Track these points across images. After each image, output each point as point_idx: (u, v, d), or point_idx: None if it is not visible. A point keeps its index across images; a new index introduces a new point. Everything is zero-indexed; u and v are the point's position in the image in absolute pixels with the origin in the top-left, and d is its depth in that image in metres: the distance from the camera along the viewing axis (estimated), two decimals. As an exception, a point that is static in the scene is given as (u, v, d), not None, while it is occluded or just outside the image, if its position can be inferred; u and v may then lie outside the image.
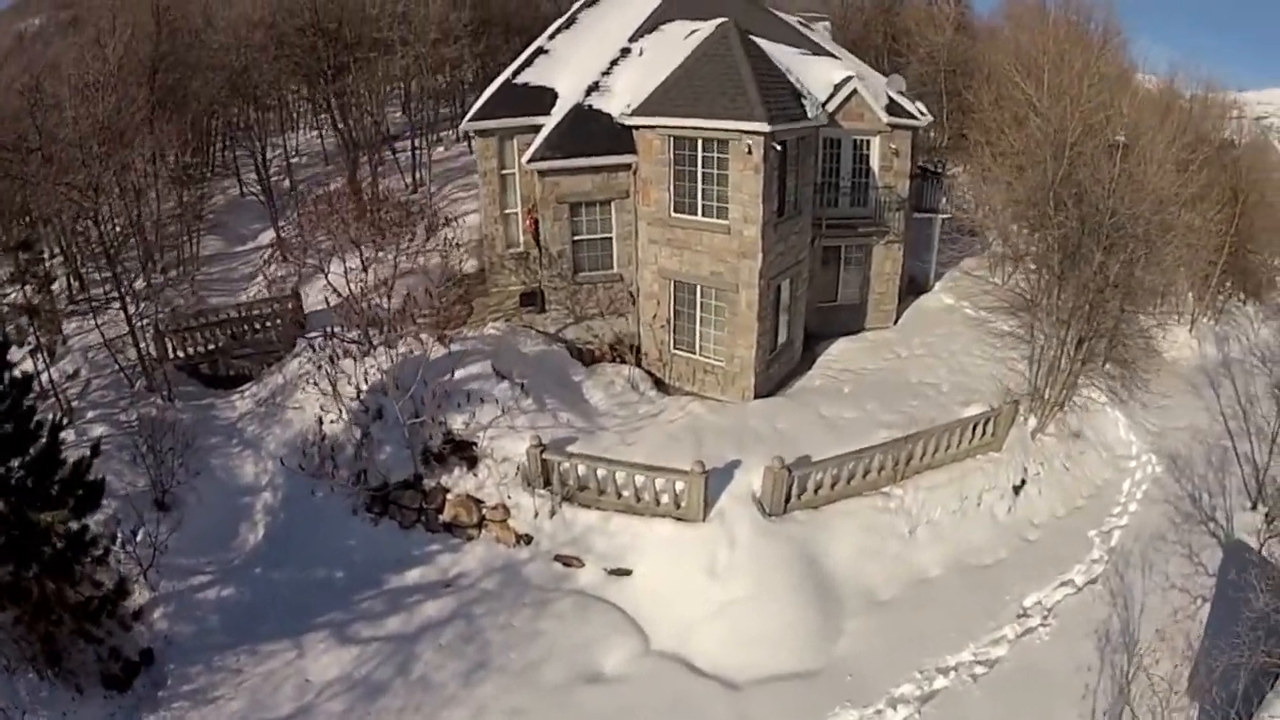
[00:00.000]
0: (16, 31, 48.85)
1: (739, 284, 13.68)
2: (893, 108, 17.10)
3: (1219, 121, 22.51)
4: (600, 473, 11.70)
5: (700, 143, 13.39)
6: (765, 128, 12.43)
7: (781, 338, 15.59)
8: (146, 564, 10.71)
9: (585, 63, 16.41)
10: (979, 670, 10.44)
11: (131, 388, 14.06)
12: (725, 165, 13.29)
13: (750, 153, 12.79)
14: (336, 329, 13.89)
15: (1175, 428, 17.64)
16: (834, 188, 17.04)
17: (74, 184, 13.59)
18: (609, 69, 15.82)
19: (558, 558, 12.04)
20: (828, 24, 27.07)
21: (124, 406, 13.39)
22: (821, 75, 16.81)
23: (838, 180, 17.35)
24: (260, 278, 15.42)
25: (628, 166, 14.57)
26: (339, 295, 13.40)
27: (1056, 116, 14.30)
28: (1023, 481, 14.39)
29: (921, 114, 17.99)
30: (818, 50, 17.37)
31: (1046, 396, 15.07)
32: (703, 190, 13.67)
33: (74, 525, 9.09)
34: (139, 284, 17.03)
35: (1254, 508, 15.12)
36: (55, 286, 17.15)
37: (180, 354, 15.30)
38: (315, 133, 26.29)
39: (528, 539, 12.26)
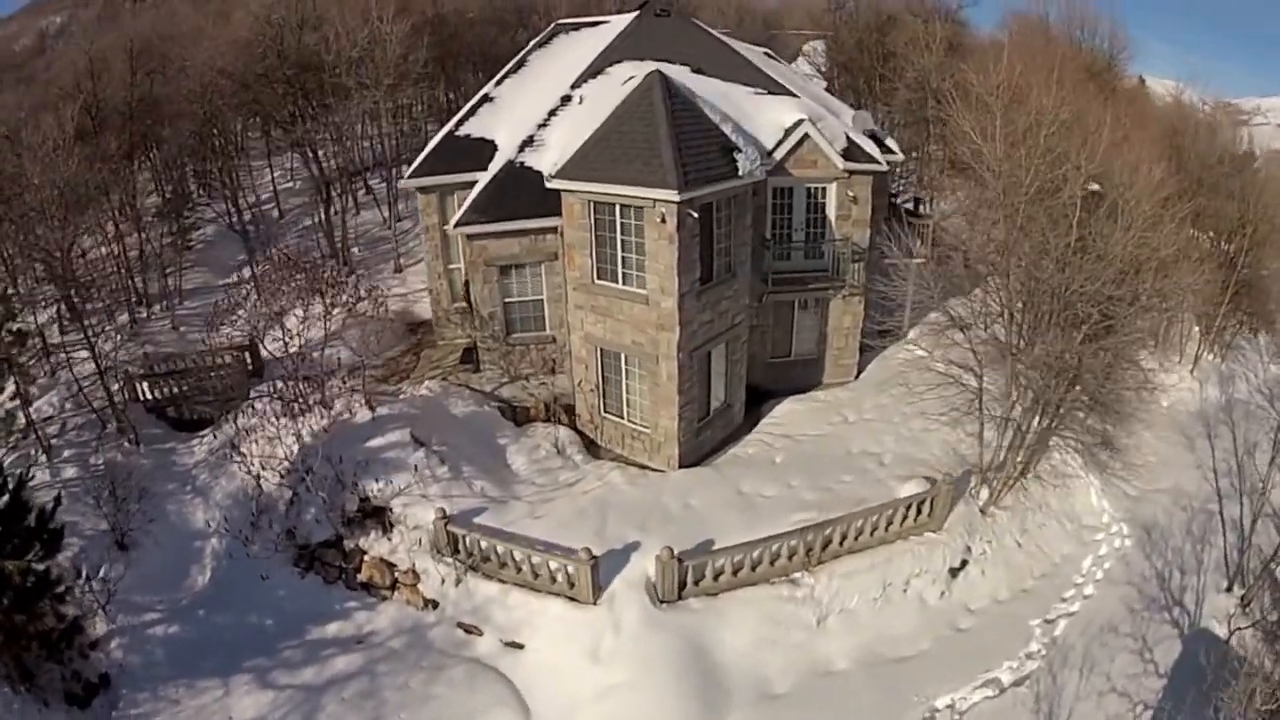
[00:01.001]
0: (39, 29, 51.51)
1: (659, 356, 14.08)
2: (852, 151, 16.98)
3: (1234, 134, 21.24)
4: (500, 548, 12.15)
5: (618, 208, 13.74)
6: (674, 196, 12.70)
7: (716, 403, 15.94)
8: (105, 600, 12.90)
9: (526, 112, 17.17)
10: (858, 785, 10.46)
11: (104, 428, 16.62)
12: (642, 233, 13.48)
13: (664, 221, 12.92)
14: (277, 385, 14.67)
15: (1158, 490, 17.52)
16: (785, 239, 16.90)
17: (42, 245, 14.91)
18: (546, 120, 16.42)
19: (460, 625, 13.41)
20: (820, 44, 26.75)
21: (95, 448, 16.06)
22: (773, 118, 17.01)
23: (790, 232, 17.22)
24: (220, 326, 16.32)
25: (555, 229, 14.85)
26: (274, 357, 14.36)
27: (1007, 172, 13.80)
28: (963, 562, 14.37)
29: (890, 150, 17.71)
30: (775, 89, 17.39)
31: (1003, 466, 14.53)
32: (622, 258, 14.16)
33: (39, 567, 11.31)
34: (123, 318, 18.36)
35: (1229, 589, 14.46)
36: (45, 315, 18.52)
37: (149, 396, 17.80)
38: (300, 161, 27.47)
39: (434, 604, 13.75)
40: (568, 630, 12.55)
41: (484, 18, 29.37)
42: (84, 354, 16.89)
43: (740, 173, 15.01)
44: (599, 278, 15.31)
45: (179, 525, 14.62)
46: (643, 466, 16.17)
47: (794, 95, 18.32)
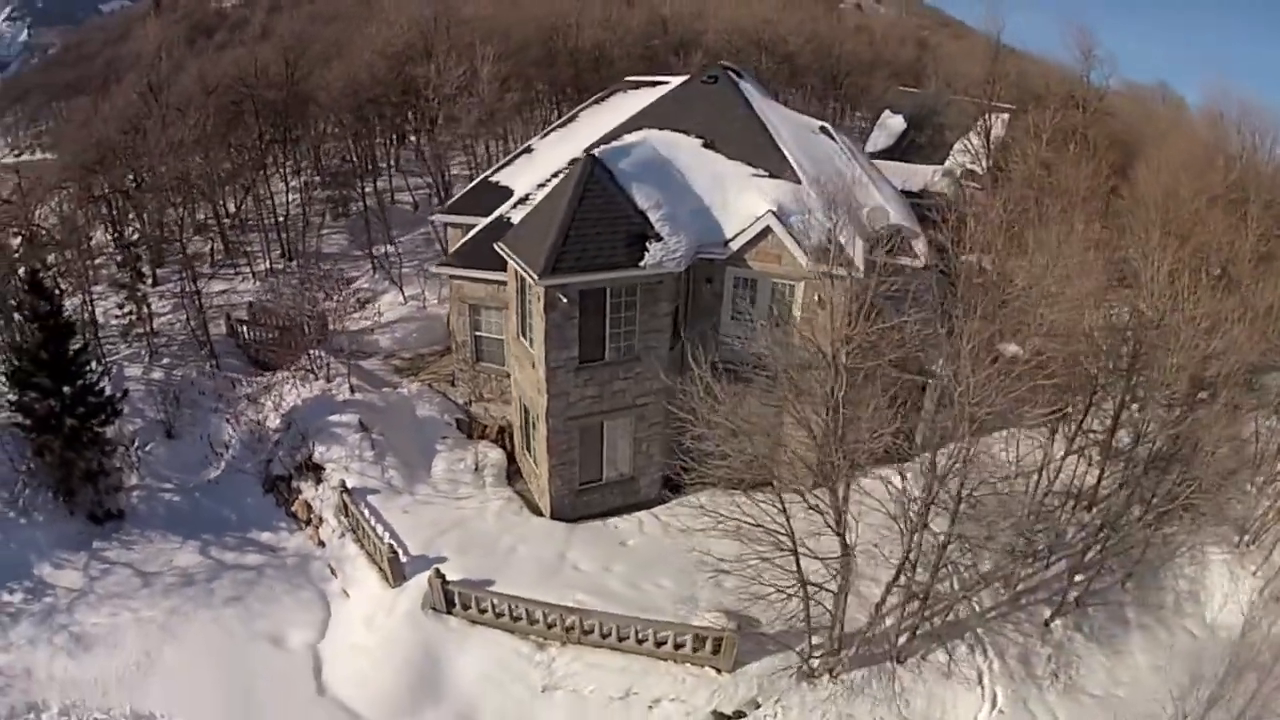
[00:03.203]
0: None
1: (538, 416, 18.78)
2: (825, 250, 18.96)
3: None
4: (363, 522, 19.05)
5: (526, 280, 18.54)
6: (536, 279, 17.05)
7: (613, 472, 20.95)
8: (137, 463, 23.30)
9: (544, 170, 22.29)
10: None
11: (199, 350, 27.56)
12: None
13: (539, 300, 17.63)
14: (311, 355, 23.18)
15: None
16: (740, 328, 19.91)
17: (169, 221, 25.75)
18: (547, 180, 21.80)
19: (329, 565, 21.31)
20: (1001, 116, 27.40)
21: (185, 362, 26.71)
22: (749, 205, 20.01)
23: (751, 324, 20.09)
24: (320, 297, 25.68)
25: (511, 283, 20.60)
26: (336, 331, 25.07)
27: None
28: (739, 713, 16.89)
29: (916, 255, 19.16)
30: (782, 172, 19.91)
31: (838, 638, 17.09)
32: (530, 324, 18.92)
33: (99, 430, 21.53)
34: (262, 265, 28.99)
35: None
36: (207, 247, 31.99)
37: (242, 336, 28.69)
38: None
39: (323, 544, 21.86)
40: (370, 599, 19.59)
41: (636, 54, 34.92)
42: (217, 287, 27.46)
43: (643, 263, 18.46)
44: (521, 334, 20.59)
45: (213, 434, 25.05)
46: (534, 505, 20.91)
47: (797, 180, 20.30)
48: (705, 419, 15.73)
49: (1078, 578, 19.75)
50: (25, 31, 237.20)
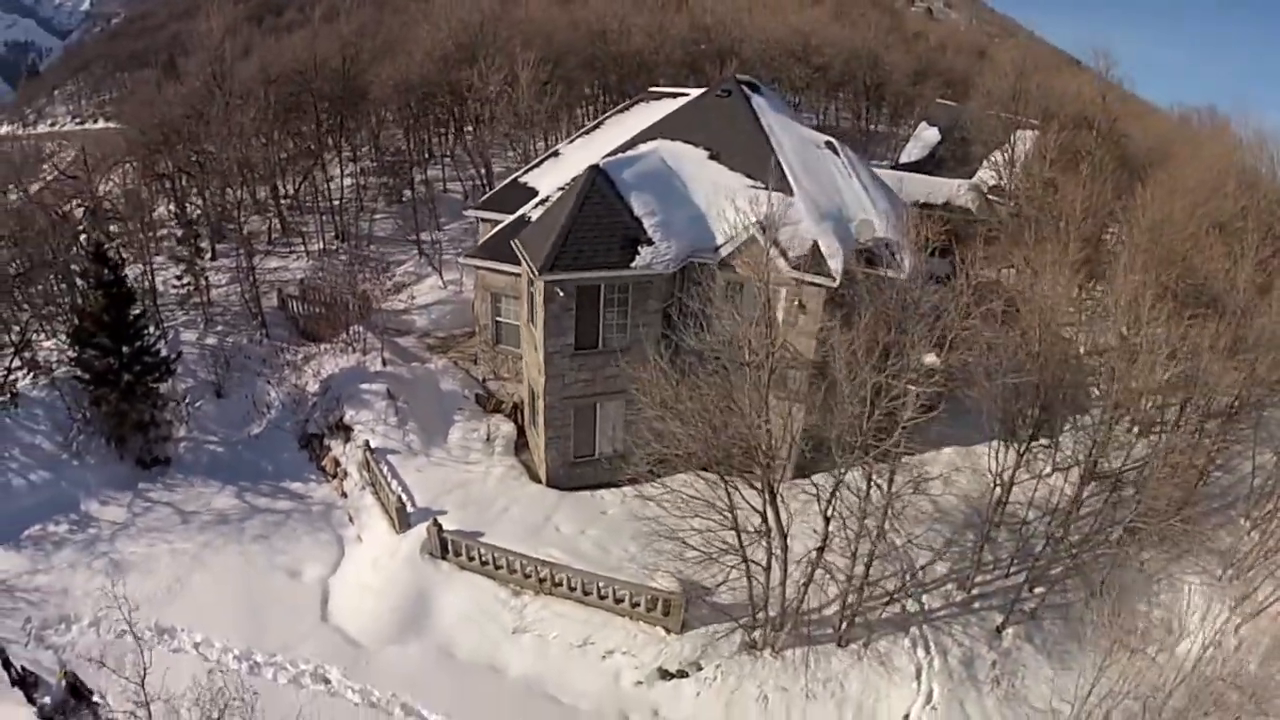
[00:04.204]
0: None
1: (538, 394, 22.13)
2: (804, 260, 21.64)
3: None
4: (379, 477, 22.67)
5: (531, 274, 21.96)
6: (536, 274, 20.44)
7: (607, 449, 23.88)
8: (186, 417, 27.69)
9: (568, 172, 25.57)
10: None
11: (251, 320, 31.99)
12: (543, 294, 22.07)
13: (541, 292, 21.01)
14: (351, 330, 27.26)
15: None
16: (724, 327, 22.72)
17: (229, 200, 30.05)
18: (567, 183, 24.98)
19: (348, 513, 25.41)
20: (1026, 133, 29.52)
21: (237, 330, 31.23)
22: (741, 214, 22.58)
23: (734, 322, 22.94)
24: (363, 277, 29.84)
25: (528, 274, 24.04)
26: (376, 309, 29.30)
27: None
28: (681, 672, 19.61)
29: (890, 265, 21.54)
30: (778, 184, 22.77)
31: (778, 615, 19.76)
32: (535, 313, 22.36)
33: (154, 386, 26.02)
34: (316, 245, 33.24)
35: None
36: (265, 226, 36.92)
37: (292, 310, 33.08)
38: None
39: (345, 495, 25.90)
40: (379, 543, 23.29)
41: (677, 60, 37.67)
42: (272, 263, 31.53)
43: (634, 264, 21.50)
44: (530, 321, 23.82)
45: (258, 396, 29.32)
46: (535, 474, 24.22)
47: (790, 192, 22.92)
48: (659, 402, 18.66)
49: (1036, 589, 21.45)
50: (87, 0, 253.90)
